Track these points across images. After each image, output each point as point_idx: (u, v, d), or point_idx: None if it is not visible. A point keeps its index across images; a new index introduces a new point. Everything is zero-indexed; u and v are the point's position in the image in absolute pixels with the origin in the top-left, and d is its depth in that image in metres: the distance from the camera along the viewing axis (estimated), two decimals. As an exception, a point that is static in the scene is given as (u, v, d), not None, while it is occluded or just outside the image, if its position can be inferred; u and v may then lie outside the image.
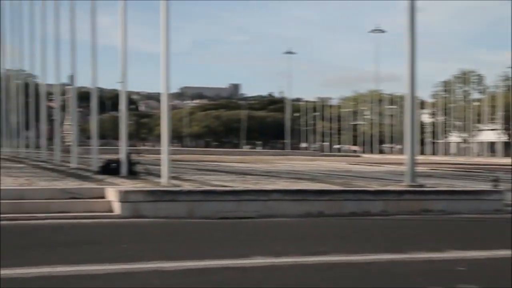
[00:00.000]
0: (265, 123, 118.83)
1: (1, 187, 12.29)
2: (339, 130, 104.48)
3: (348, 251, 8.29)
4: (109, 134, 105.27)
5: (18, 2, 29.64)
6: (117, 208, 11.61)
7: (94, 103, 19.11)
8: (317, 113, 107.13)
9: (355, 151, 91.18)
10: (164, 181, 13.37)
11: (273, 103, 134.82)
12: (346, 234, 10.51)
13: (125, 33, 16.30)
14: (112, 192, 11.92)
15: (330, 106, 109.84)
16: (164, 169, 13.43)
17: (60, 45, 22.89)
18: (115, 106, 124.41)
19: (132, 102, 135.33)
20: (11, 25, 31.05)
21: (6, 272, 6.54)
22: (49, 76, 26.63)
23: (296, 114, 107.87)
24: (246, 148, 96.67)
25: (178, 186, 13.09)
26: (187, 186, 13.09)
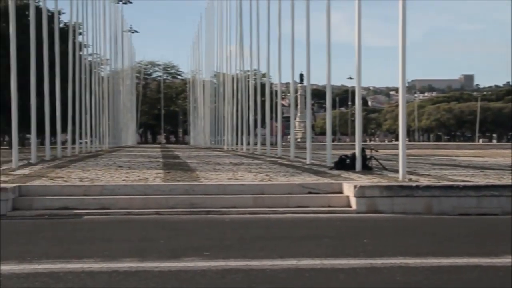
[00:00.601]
0: (502, 115, 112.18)
1: (245, 183, 12.93)
2: None
3: None
4: (337, 129, 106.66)
5: (255, 3, 30.97)
6: (353, 203, 11.63)
7: (328, 100, 19.25)
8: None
9: None
10: (400, 176, 13.14)
11: (510, 93, 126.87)
12: None
13: (360, 29, 16.26)
14: (349, 187, 11.97)
15: None
16: (401, 164, 13.19)
17: (294, 44, 23.44)
18: (343, 102, 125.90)
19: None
20: (249, 26, 32.52)
21: (255, 263, 6.82)
22: (280, 75, 27.57)
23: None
24: (480, 142, 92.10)
25: (415, 181, 12.78)
26: (423, 181, 12.73)
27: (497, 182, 12.69)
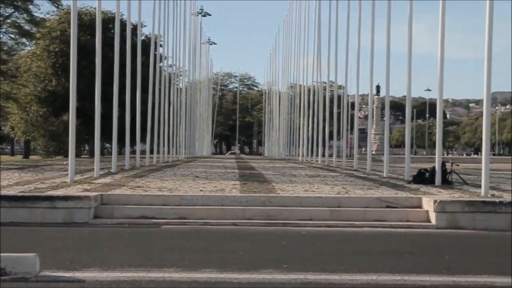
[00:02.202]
0: None
1: (322, 195, 12.86)
2: None
3: None
4: (414, 142, 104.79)
5: (334, 14, 30.84)
6: (432, 218, 11.38)
7: (408, 112, 18.89)
8: None
9: None
10: (482, 192, 12.77)
11: None
12: None
13: (443, 40, 15.95)
14: (428, 202, 11.73)
15: None
16: (484, 179, 12.83)
17: (369, 56, 23.20)
18: (420, 114, 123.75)
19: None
20: (327, 37, 32.46)
21: (335, 277, 6.74)
22: (355, 87, 27.39)
23: None
24: None
25: (498, 196, 12.39)
26: (507, 197, 12.32)
27: None
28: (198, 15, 53.55)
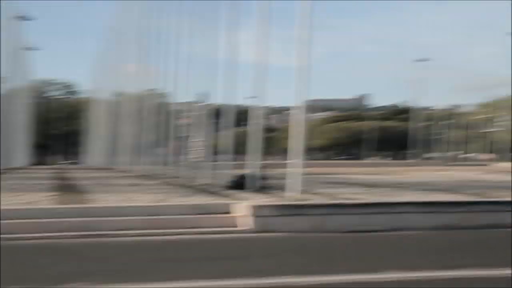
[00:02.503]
0: (392, 133, 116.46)
1: (137, 204, 12.85)
2: (468, 138, 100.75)
3: (489, 265, 7.94)
4: (236, 149, 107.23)
5: (160, 22, 30.98)
6: (246, 222, 11.78)
7: (228, 119, 19.55)
8: (447, 122, 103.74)
9: (486, 160, 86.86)
10: (292, 195, 13.43)
11: (403, 112, 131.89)
12: (486, 246, 10.07)
13: (264, 49, 16.65)
14: (241, 207, 12.12)
15: (462, 114, 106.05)
16: (292, 182, 13.50)
17: (195, 63, 23.71)
18: (241, 122, 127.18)
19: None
20: (152, 45, 32.50)
21: (144, 286, 6.80)
22: (180, 94, 27.69)
23: (427, 123, 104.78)
24: (371, 160, 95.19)
25: (306, 199, 13.10)
26: (315, 200, 13.08)
27: (383, 200, 13.21)
28: (16, 19, 50.84)
